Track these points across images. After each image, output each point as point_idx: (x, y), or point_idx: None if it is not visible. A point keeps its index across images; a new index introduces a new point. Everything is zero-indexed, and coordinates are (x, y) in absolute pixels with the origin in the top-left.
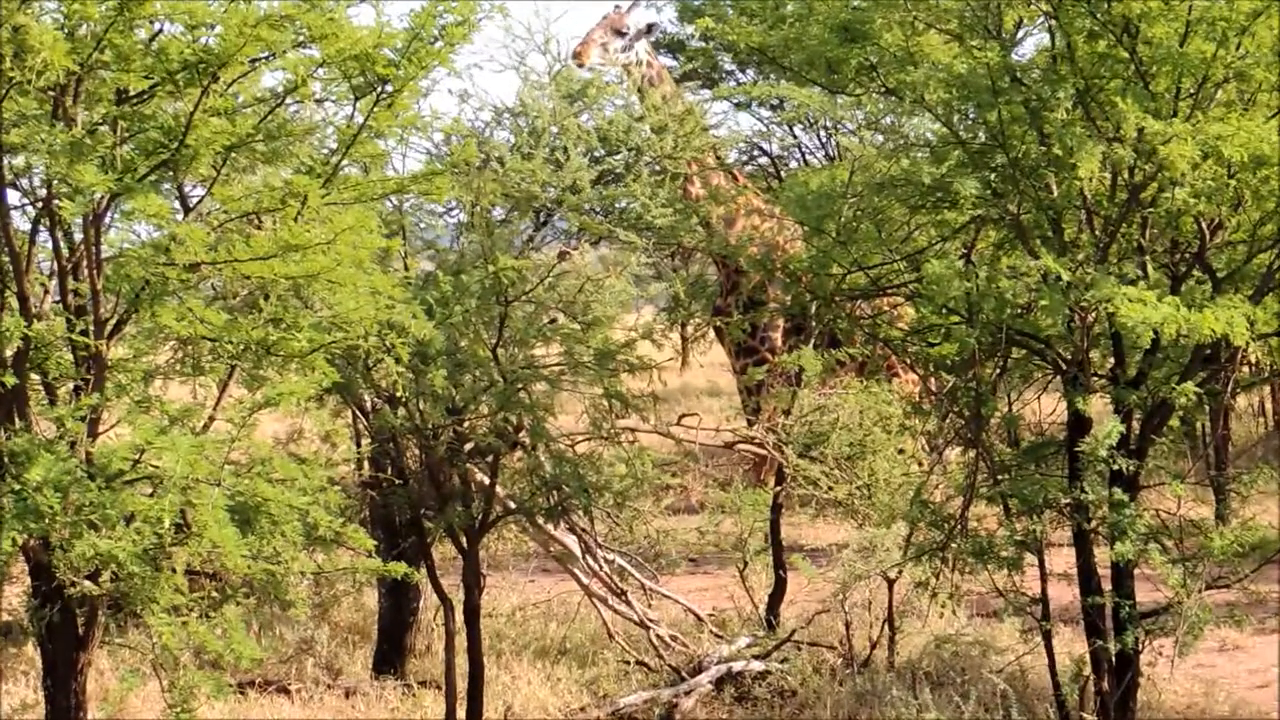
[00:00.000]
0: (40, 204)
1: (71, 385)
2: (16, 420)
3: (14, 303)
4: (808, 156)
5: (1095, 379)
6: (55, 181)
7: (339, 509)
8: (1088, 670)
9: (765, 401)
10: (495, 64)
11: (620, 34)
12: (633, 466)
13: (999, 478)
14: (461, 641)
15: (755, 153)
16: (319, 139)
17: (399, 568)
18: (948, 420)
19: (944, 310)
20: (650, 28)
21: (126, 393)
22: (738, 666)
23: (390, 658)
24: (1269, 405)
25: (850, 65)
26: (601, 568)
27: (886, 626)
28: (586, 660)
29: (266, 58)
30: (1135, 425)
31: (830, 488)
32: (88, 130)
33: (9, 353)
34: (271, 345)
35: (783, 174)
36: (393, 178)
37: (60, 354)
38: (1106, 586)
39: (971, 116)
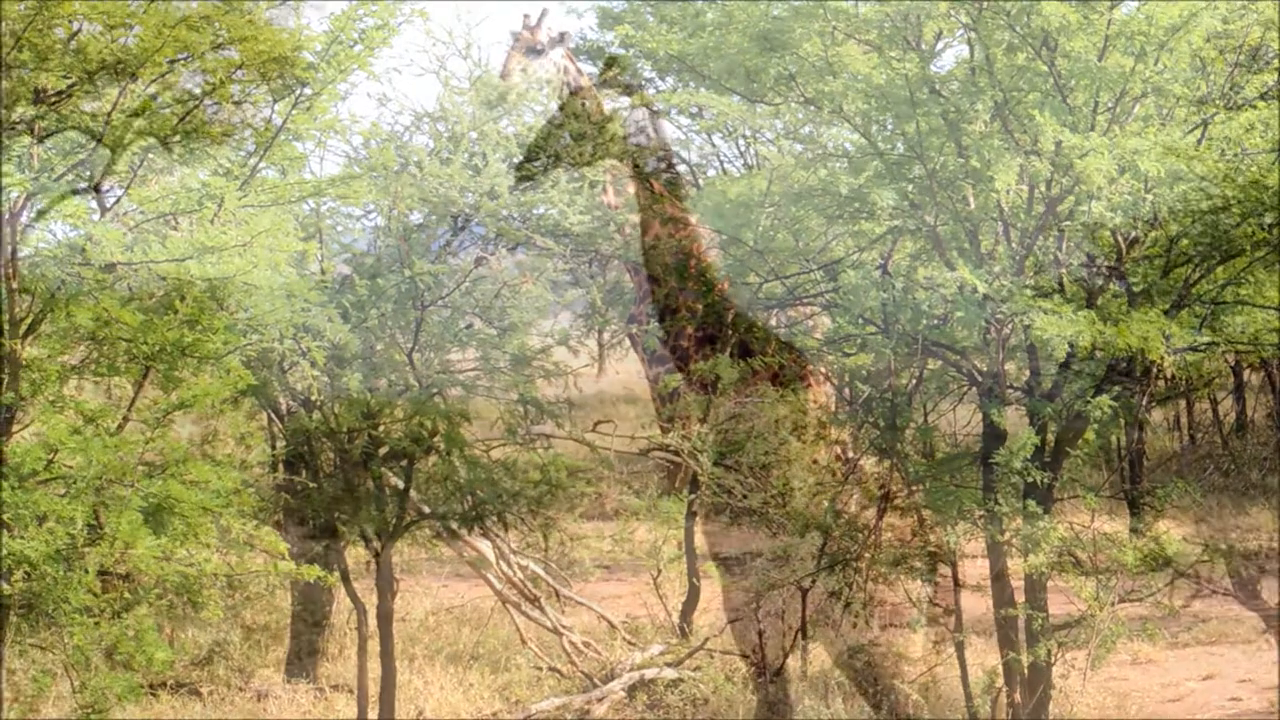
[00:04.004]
0: None
1: None
2: None
3: None
4: (726, 165)
5: (1011, 391)
6: None
7: (253, 511)
8: (1000, 682)
9: (679, 410)
10: (415, 68)
11: (536, 51)
12: (547, 473)
13: (913, 488)
14: (374, 645)
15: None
16: (237, 141)
17: (312, 571)
18: (863, 430)
19: (860, 320)
20: (563, 36)
21: (40, 392)
22: (650, 674)
23: (302, 661)
24: (1184, 419)
25: (769, 74)
26: (515, 574)
27: (799, 635)
28: (499, 666)
29: (185, 59)
30: (1050, 438)
31: (744, 496)
32: (5, 129)
33: None
34: (186, 347)
35: (700, 182)
36: (310, 181)
37: None
38: (1020, 599)
39: (890, 127)
